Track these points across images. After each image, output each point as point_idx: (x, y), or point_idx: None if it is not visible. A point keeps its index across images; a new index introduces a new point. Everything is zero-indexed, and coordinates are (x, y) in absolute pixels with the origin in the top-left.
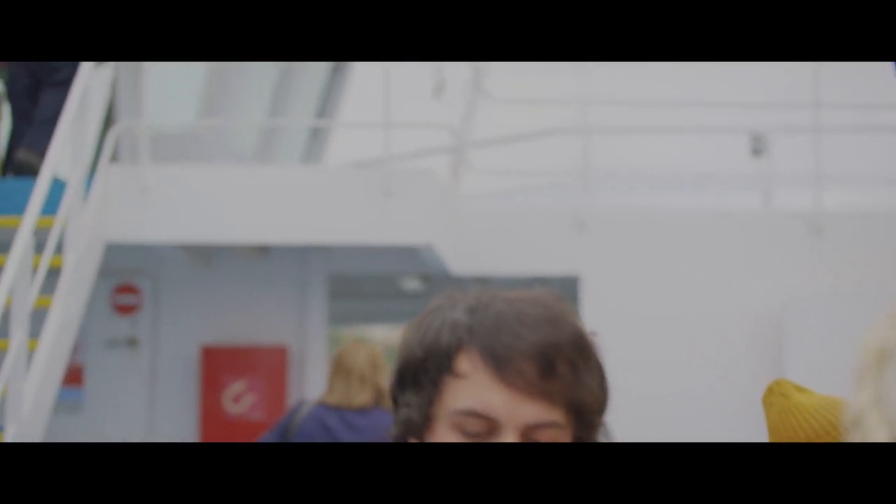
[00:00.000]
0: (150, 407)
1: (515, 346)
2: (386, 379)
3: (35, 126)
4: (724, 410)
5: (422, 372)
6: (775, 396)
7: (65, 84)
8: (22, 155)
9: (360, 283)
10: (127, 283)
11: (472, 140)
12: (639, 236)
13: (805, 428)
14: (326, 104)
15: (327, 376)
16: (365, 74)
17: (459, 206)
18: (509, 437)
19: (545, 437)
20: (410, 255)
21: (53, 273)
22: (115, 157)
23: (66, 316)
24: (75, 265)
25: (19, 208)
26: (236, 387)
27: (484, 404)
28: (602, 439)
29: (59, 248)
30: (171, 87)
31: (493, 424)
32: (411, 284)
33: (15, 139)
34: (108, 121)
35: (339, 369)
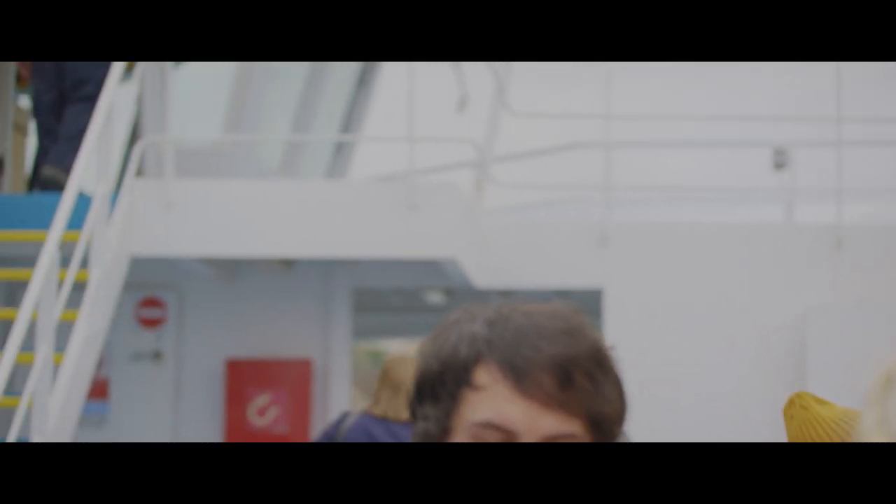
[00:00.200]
0: (175, 420)
1: (534, 359)
2: None
3: (60, 142)
4: (746, 422)
5: (440, 384)
6: (796, 409)
7: (90, 99)
8: (48, 171)
9: (384, 296)
10: (152, 296)
11: (496, 154)
12: (661, 249)
13: (825, 440)
14: (351, 119)
15: (374, 388)
16: (389, 89)
17: (483, 219)
18: None
19: None
20: (434, 269)
21: (79, 287)
22: (140, 172)
23: (92, 330)
24: (100, 279)
25: (45, 223)
26: (261, 400)
27: (502, 416)
28: None
29: (84, 263)
30: (197, 101)
31: (511, 436)
32: (435, 298)
33: (40, 155)
34: (134, 136)
35: (387, 381)
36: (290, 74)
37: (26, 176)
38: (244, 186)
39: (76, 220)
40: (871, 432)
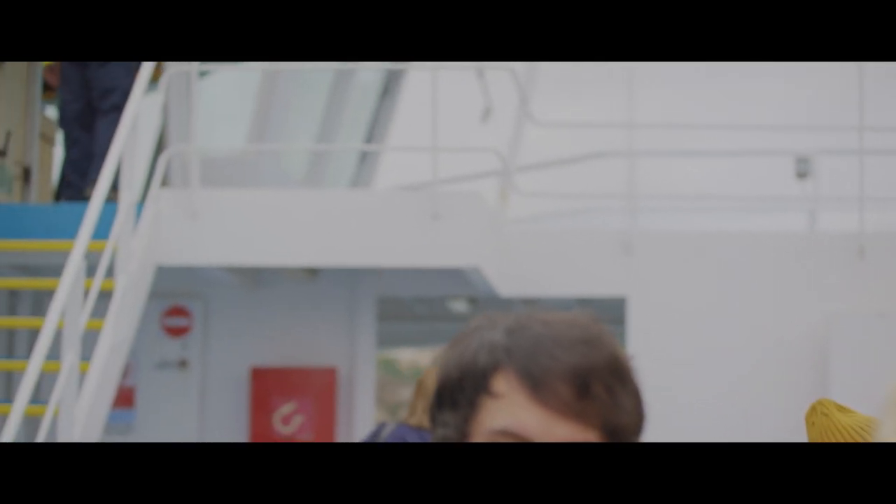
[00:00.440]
0: (201, 428)
1: (551, 368)
2: None
3: (97, 160)
4: (768, 429)
5: (459, 391)
6: (817, 415)
7: (118, 110)
8: (90, 192)
9: (409, 305)
10: (177, 305)
11: (519, 163)
12: (684, 257)
13: None
14: (375, 128)
15: (410, 399)
16: (413, 99)
17: (506, 228)
18: None
19: None
20: (458, 278)
21: (105, 296)
22: (165, 181)
23: (117, 338)
24: (126, 288)
25: (72, 233)
26: (286, 408)
27: (519, 424)
28: None
29: (110, 272)
30: (222, 111)
31: None
32: (459, 307)
33: (67, 165)
34: (160, 145)
35: (423, 392)
36: (314, 84)
37: (53, 186)
38: (269, 196)
39: (102, 230)
40: (891, 439)
